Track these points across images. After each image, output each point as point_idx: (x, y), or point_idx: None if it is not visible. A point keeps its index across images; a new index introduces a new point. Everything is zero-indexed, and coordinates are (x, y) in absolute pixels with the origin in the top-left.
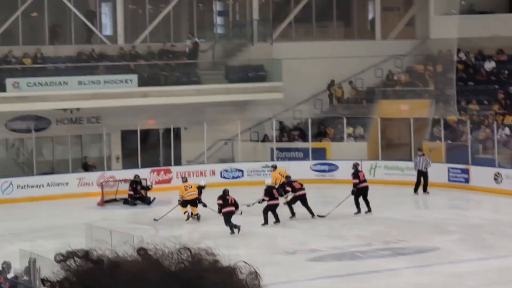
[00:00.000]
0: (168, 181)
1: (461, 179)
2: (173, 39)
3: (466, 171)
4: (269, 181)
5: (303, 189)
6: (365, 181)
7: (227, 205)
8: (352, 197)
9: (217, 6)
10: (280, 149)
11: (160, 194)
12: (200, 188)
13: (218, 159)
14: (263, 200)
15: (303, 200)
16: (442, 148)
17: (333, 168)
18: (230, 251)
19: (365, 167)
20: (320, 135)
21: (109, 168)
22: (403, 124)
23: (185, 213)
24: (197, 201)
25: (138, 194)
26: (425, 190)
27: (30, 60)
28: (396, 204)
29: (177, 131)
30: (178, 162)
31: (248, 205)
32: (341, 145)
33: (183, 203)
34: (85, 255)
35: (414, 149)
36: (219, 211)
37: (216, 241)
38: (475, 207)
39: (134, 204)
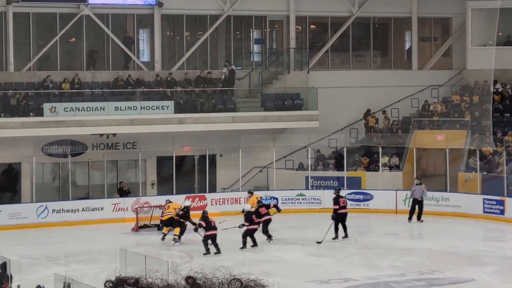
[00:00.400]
0: (203, 208)
1: (496, 211)
2: (210, 66)
3: (501, 203)
4: (248, 207)
5: (268, 214)
6: (344, 207)
7: (210, 228)
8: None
9: (254, 34)
10: (315, 178)
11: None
12: (186, 209)
13: (253, 186)
14: (243, 225)
15: (266, 224)
16: (477, 179)
17: (367, 197)
18: (266, 279)
19: (400, 197)
20: (355, 164)
21: (144, 194)
22: (439, 155)
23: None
24: (180, 221)
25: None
26: (419, 218)
27: (69, 85)
28: (430, 234)
29: (213, 158)
30: (213, 189)
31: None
32: (376, 175)
33: (161, 222)
34: (135, 282)
35: (450, 180)
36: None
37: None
38: (511, 239)
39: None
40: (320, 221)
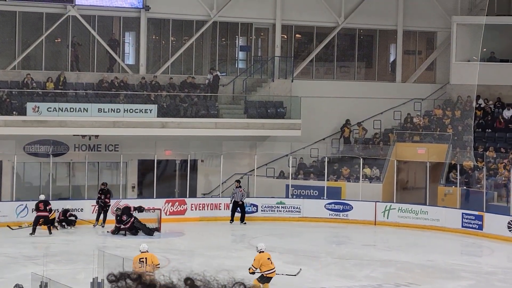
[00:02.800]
0: (183, 212)
1: (475, 226)
2: (194, 71)
3: (480, 218)
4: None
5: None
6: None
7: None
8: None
9: (240, 41)
10: (296, 186)
11: (174, 226)
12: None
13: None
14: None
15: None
16: (457, 193)
17: (347, 208)
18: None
19: (380, 208)
20: (335, 174)
21: (125, 197)
22: (419, 168)
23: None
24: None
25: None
26: (242, 220)
27: (53, 85)
28: (408, 247)
29: (194, 163)
30: (193, 194)
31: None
32: (356, 186)
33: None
34: (138, 278)
35: (430, 193)
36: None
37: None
38: (488, 254)
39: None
40: (299, 230)
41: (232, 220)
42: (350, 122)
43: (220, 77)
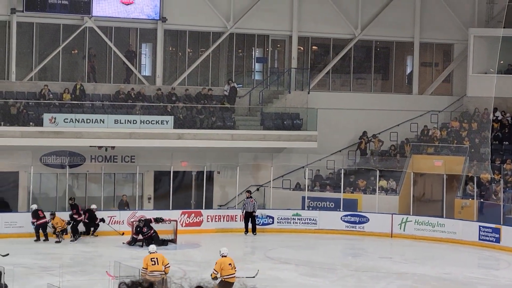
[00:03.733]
0: (199, 224)
1: (492, 239)
2: (211, 83)
3: (497, 231)
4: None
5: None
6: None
7: None
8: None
9: (256, 53)
10: (312, 198)
11: (190, 237)
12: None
13: None
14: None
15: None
16: (474, 206)
17: (364, 220)
18: None
19: (396, 221)
20: (352, 186)
21: (141, 208)
22: (436, 180)
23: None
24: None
25: (145, 236)
26: (254, 231)
27: (70, 96)
28: (425, 259)
29: (210, 175)
30: (209, 206)
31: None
32: (372, 198)
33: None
34: (150, 286)
35: (446, 206)
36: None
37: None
38: (505, 267)
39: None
40: (315, 242)
41: (246, 231)
42: (367, 134)
43: (237, 88)
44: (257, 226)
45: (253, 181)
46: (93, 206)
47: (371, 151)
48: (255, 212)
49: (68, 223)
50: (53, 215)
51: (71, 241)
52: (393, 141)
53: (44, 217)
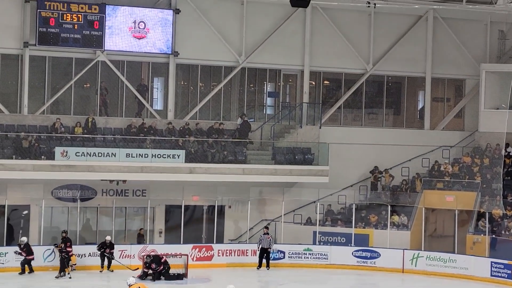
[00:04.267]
0: (210, 258)
1: (504, 275)
2: (223, 117)
3: (509, 267)
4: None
5: None
6: None
7: None
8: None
9: (268, 87)
10: (323, 233)
11: (201, 272)
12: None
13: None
14: None
15: None
16: (486, 242)
17: (375, 255)
18: None
19: (408, 256)
20: (363, 221)
21: (152, 242)
22: (448, 216)
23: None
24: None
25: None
26: (267, 266)
27: (81, 129)
28: None
29: (221, 209)
30: (220, 240)
31: None
32: (384, 233)
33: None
34: None
35: (458, 241)
36: None
37: None
38: None
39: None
40: (326, 277)
41: (259, 266)
42: (378, 169)
43: (250, 123)
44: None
45: (264, 215)
46: (108, 238)
47: (382, 186)
48: (270, 248)
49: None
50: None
51: (56, 277)
52: (405, 176)
53: (33, 253)
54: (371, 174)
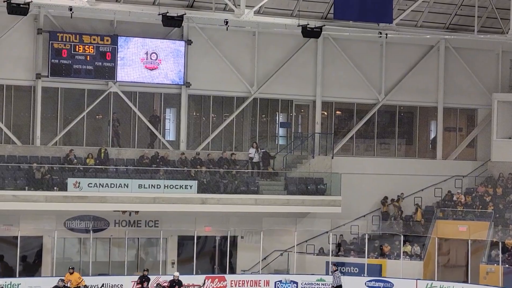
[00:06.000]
0: None
1: None
2: (235, 147)
3: None
4: None
5: None
6: None
7: None
8: None
9: (280, 118)
10: (336, 263)
11: None
12: None
13: (273, 269)
14: None
15: None
16: (499, 272)
17: (388, 285)
18: None
19: (421, 286)
20: (376, 251)
21: (164, 273)
22: (461, 245)
23: None
24: None
25: None
26: None
27: (93, 161)
28: None
29: (234, 239)
30: (233, 271)
31: None
32: (397, 263)
33: None
34: None
35: (471, 271)
36: None
37: None
38: None
39: None
40: None
41: None
42: (387, 199)
43: (269, 153)
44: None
45: (277, 246)
46: (176, 274)
47: (393, 216)
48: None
49: None
50: (72, 269)
51: None
52: (416, 204)
53: None
54: (381, 204)
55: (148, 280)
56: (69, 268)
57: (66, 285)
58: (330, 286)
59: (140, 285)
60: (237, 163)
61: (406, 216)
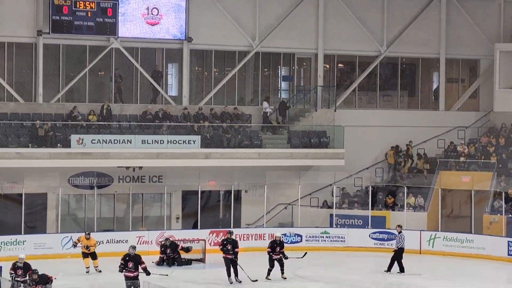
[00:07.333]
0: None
1: None
2: (237, 102)
3: None
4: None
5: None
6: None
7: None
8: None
9: (282, 71)
10: (340, 216)
11: (218, 256)
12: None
13: (277, 223)
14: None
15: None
16: (502, 221)
17: (392, 237)
18: None
19: (425, 237)
20: (380, 203)
21: (169, 228)
22: (464, 196)
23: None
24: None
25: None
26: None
27: (96, 117)
28: (454, 276)
29: (238, 194)
30: (237, 225)
31: None
32: (401, 214)
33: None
34: None
35: (475, 222)
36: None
37: None
38: None
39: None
40: (344, 259)
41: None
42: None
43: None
44: (284, 245)
45: (281, 199)
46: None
47: (398, 168)
48: (398, 248)
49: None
50: (88, 234)
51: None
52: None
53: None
54: (392, 151)
55: (173, 247)
56: (86, 233)
57: (77, 245)
58: (395, 247)
59: (163, 255)
60: (240, 118)
61: (410, 168)
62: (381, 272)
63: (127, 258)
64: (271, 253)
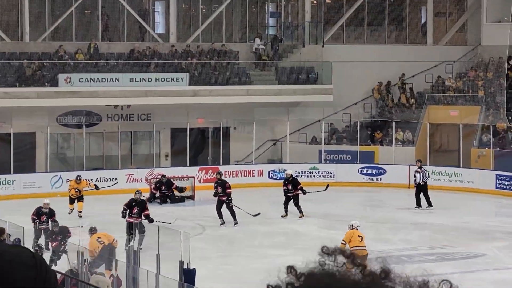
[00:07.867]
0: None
1: (509, 187)
2: (225, 39)
3: None
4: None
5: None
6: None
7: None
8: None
9: (270, 8)
10: (329, 151)
11: (208, 193)
12: None
13: (266, 159)
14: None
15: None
16: (490, 155)
17: (380, 172)
18: (279, 252)
19: (413, 172)
20: (368, 138)
21: (158, 166)
22: (452, 130)
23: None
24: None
25: (162, 194)
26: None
27: (83, 56)
28: (443, 209)
29: (226, 131)
30: (226, 162)
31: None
32: (389, 149)
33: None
34: (351, 256)
35: (463, 155)
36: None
37: (264, 241)
38: None
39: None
40: (333, 195)
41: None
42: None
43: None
44: (273, 181)
45: (269, 136)
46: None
47: (389, 102)
48: (423, 182)
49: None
50: (79, 180)
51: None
52: (408, 90)
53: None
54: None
55: (168, 185)
56: (77, 178)
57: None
58: (415, 184)
59: (157, 191)
60: (227, 54)
61: (398, 103)
62: (370, 206)
63: (134, 204)
64: (285, 190)
